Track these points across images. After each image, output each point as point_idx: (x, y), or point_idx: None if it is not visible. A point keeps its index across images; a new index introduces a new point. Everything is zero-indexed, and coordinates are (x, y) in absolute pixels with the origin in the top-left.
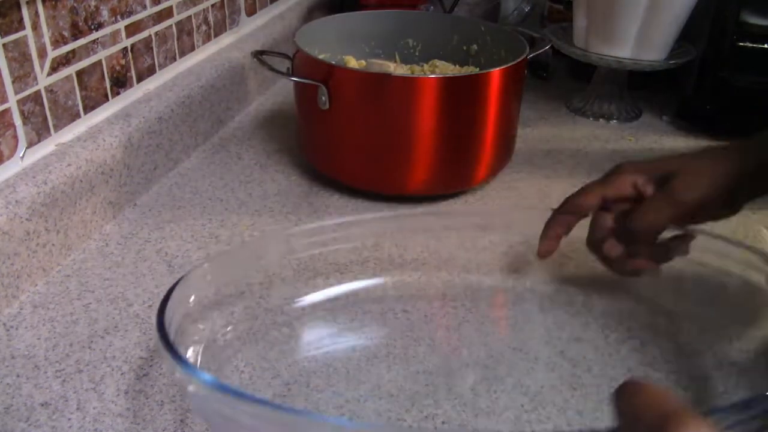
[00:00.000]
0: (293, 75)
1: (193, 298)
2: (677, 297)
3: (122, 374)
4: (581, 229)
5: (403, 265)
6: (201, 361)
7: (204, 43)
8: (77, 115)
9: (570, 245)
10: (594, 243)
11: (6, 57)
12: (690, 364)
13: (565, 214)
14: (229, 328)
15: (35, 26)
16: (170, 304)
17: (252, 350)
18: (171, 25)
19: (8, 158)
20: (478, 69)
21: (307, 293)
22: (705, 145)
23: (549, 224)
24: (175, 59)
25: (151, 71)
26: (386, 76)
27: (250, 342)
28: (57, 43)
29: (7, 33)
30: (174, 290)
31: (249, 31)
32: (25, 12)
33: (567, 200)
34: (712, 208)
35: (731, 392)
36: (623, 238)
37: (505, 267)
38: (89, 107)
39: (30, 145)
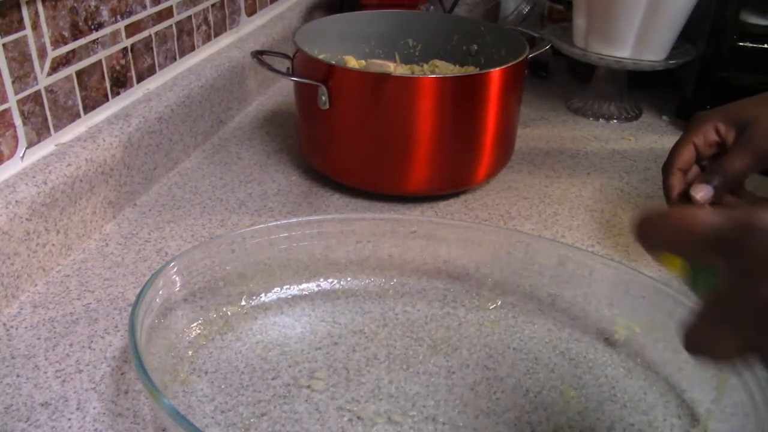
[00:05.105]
0: (293, 75)
1: (183, 294)
2: None
3: (122, 374)
4: (582, 231)
5: (403, 265)
6: (200, 362)
7: (204, 43)
8: (77, 115)
9: (569, 247)
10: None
11: (6, 57)
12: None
13: (674, 175)
14: (227, 327)
15: (35, 26)
16: (142, 307)
17: (251, 351)
18: (171, 25)
19: (8, 158)
20: (478, 69)
21: (306, 293)
22: None
23: (669, 188)
24: (175, 59)
25: (151, 71)
26: (386, 76)
27: (249, 342)
28: (57, 43)
29: (7, 33)
30: (146, 291)
31: (249, 31)
32: (25, 12)
33: (668, 164)
34: None
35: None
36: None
37: (506, 267)
38: (89, 107)
39: (30, 145)
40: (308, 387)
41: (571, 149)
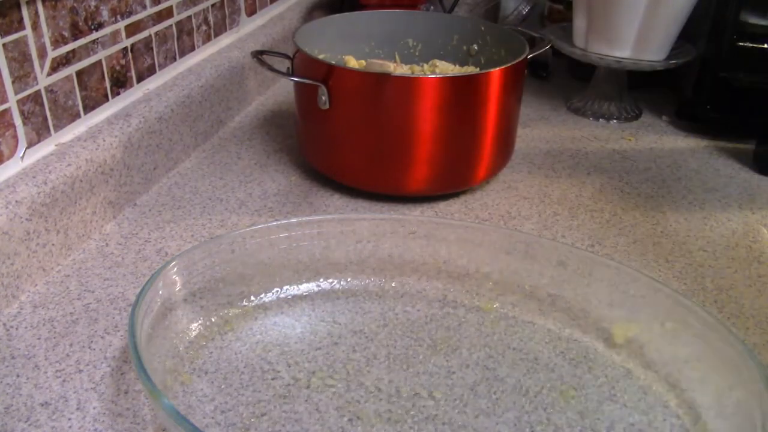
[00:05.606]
0: (293, 75)
1: (183, 293)
2: None
3: (122, 374)
4: (582, 231)
5: (403, 265)
6: (200, 362)
7: (204, 43)
8: (77, 115)
9: (568, 249)
10: None
11: (6, 57)
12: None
13: None
14: (227, 327)
15: (35, 26)
16: (142, 306)
17: (251, 351)
18: (171, 25)
19: (8, 158)
20: (478, 69)
21: (306, 293)
22: (705, 145)
23: None
24: (175, 59)
25: (151, 71)
26: (386, 76)
27: (249, 342)
28: (57, 43)
29: (7, 33)
30: (147, 290)
31: (249, 31)
32: (25, 12)
33: None
34: None
35: None
36: None
37: (506, 267)
38: (89, 107)
39: (30, 145)
40: (308, 387)
41: (571, 149)
